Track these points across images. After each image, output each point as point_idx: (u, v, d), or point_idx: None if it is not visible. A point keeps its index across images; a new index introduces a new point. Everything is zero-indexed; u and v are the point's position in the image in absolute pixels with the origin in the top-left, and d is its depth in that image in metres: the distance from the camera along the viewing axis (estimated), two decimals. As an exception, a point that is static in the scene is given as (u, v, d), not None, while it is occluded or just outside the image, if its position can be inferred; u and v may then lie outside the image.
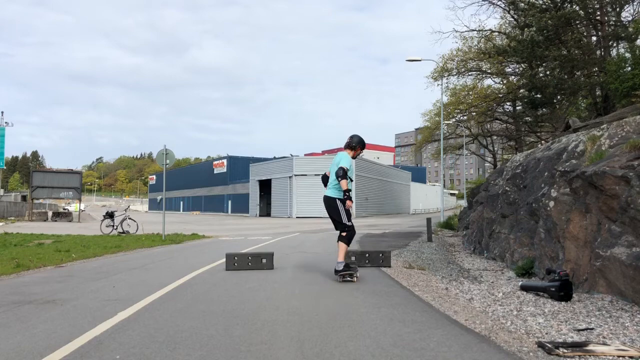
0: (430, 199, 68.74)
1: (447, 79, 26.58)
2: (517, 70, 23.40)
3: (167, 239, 14.09)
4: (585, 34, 17.07)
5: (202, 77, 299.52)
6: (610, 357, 3.19)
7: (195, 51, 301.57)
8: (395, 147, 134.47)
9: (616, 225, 5.06)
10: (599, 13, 15.85)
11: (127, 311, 4.34)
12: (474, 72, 26.42)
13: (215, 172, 62.35)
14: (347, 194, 6.03)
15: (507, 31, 21.54)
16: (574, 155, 6.45)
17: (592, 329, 4.01)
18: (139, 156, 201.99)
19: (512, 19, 20.37)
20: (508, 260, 7.94)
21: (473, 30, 21.93)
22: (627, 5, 16.34)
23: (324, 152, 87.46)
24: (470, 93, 29.14)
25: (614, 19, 16.27)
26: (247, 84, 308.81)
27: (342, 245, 6.15)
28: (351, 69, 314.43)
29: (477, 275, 7.41)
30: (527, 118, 23.20)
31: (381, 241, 13.41)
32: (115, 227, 17.48)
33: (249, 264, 7.19)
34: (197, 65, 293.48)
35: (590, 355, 3.21)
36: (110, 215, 17.78)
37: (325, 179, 6.47)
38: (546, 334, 3.91)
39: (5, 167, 70.08)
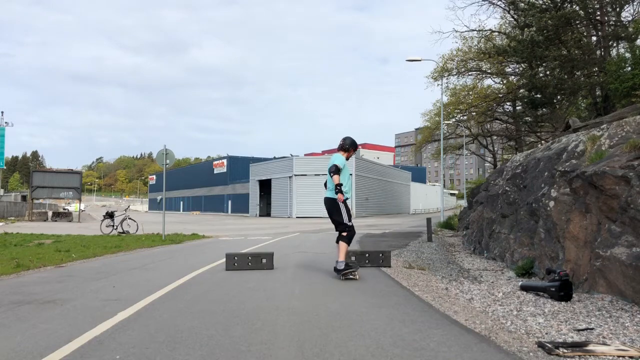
0: (430, 199, 68.73)
1: (447, 79, 26.61)
2: (517, 70, 23.41)
3: (167, 239, 14.09)
4: (585, 34, 17.07)
5: (202, 77, 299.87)
6: (610, 357, 3.19)
7: (195, 51, 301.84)
8: (395, 147, 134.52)
9: (616, 225, 5.06)
10: (599, 13, 15.86)
11: (127, 311, 4.34)
12: (474, 72, 26.42)
13: (215, 172, 62.36)
14: (339, 187, 6.21)
15: (507, 31, 21.55)
16: (574, 155, 6.45)
17: (592, 329, 4.01)
18: (139, 156, 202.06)
19: (512, 19, 20.38)
20: (508, 260, 7.95)
21: (473, 30, 21.96)
22: (627, 5, 16.36)
23: (324, 152, 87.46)
24: (470, 93, 29.14)
25: (614, 19, 16.27)
26: (247, 84, 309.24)
27: (343, 245, 6.28)
28: (351, 69, 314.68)
29: (477, 275, 7.41)
30: (527, 118, 23.21)
31: (381, 241, 13.41)
32: (115, 227, 17.48)
33: (249, 264, 7.19)
34: (197, 65, 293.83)
35: (590, 355, 3.21)
36: (110, 215, 17.78)
37: (326, 183, 6.62)
38: (546, 334, 3.91)
39: (5, 167, 70.08)
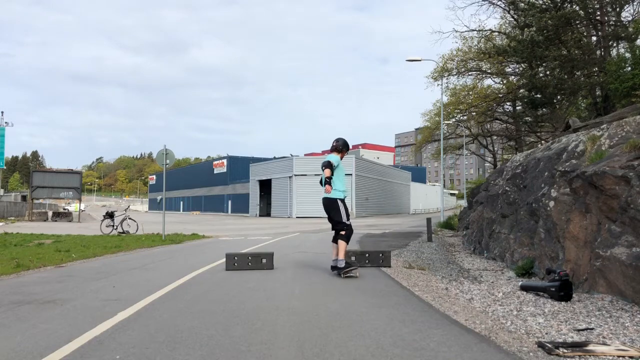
0: (430, 199, 68.73)
1: (447, 79, 26.61)
2: (517, 70, 23.41)
3: (167, 239, 14.09)
4: (585, 34, 17.07)
5: (202, 77, 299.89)
6: (610, 357, 3.19)
7: (195, 51, 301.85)
8: (395, 147, 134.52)
9: (616, 225, 5.06)
10: (599, 13, 15.86)
11: (127, 311, 4.34)
12: (474, 72, 26.42)
13: (215, 172, 62.35)
14: (328, 180, 6.36)
15: (507, 31, 21.55)
16: (574, 155, 6.45)
17: (592, 329, 4.01)
18: (139, 156, 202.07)
19: (512, 19, 20.37)
20: (508, 260, 7.95)
21: (473, 30, 21.96)
22: (627, 5, 16.35)
23: (324, 152, 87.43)
24: (470, 93, 29.14)
25: (614, 19, 16.27)
26: (247, 84, 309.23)
27: (343, 243, 6.41)
28: (351, 69, 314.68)
29: (477, 275, 7.41)
30: (527, 118, 23.21)
31: (381, 241, 13.41)
32: (115, 227, 17.48)
33: (249, 264, 7.19)
34: (197, 65, 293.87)
35: (590, 355, 3.21)
36: (110, 215, 17.78)
37: (322, 181, 6.72)
38: (546, 334, 3.91)
39: (5, 167, 70.08)
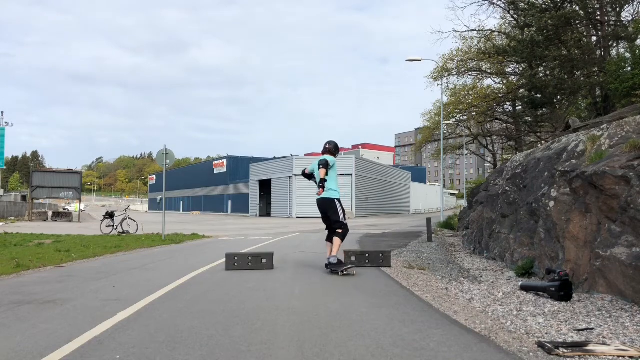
0: (430, 199, 68.73)
1: (447, 79, 26.60)
2: (517, 70, 23.40)
3: (167, 239, 14.09)
4: (585, 34, 17.07)
5: (202, 77, 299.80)
6: (610, 357, 3.19)
7: (195, 51, 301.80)
8: (395, 147, 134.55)
9: (616, 225, 5.06)
10: (599, 13, 15.86)
11: (127, 311, 4.34)
12: (474, 72, 26.42)
13: (215, 172, 62.35)
14: (323, 181, 6.55)
15: (507, 31, 21.54)
16: (574, 155, 6.45)
17: (592, 329, 4.01)
18: (139, 156, 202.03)
19: (512, 19, 20.37)
20: (508, 260, 7.95)
21: (473, 30, 21.95)
22: (627, 5, 16.35)
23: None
24: (470, 93, 29.14)
25: (614, 19, 16.27)
26: (247, 84, 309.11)
27: (338, 240, 6.62)
28: (351, 69, 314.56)
29: (477, 275, 7.41)
30: (527, 118, 23.21)
31: (381, 241, 13.41)
32: (115, 227, 17.47)
33: (249, 264, 7.19)
34: (197, 65, 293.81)
35: (590, 355, 3.21)
36: (110, 215, 17.78)
37: (305, 175, 7.24)
38: (546, 334, 3.91)
39: (5, 167, 70.07)
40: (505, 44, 19.06)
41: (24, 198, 60.07)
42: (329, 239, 6.79)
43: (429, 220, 14.16)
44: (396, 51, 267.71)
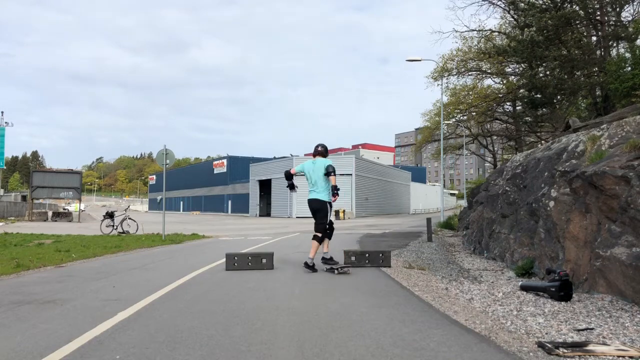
0: (430, 199, 68.72)
1: (447, 79, 26.59)
2: (517, 70, 23.39)
3: (167, 239, 14.09)
4: (585, 34, 17.07)
5: (202, 77, 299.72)
6: (610, 357, 3.19)
7: (195, 51, 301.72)
8: (395, 147, 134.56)
9: (616, 225, 5.06)
10: (599, 13, 15.86)
11: (127, 311, 4.34)
12: (474, 72, 26.40)
13: (215, 172, 62.35)
14: (337, 189, 6.89)
15: (507, 31, 21.53)
16: (574, 155, 6.45)
17: (592, 329, 4.01)
18: (139, 156, 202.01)
19: (512, 19, 20.36)
20: (508, 260, 7.95)
21: (473, 30, 21.93)
22: (627, 5, 16.35)
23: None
24: (470, 93, 29.14)
25: (614, 19, 16.27)
26: (247, 84, 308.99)
27: (326, 240, 7.09)
28: (351, 69, 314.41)
29: (477, 275, 7.41)
30: (527, 118, 23.20)
31: (381, 241, 13.41)
32: (115, 227, 17.47)
33: (249, 264, 7.20)
34: (197, 65, 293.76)
35: (590, 355, 3.22)
36: (110, 215, 17.77)
37: (288, 176, 7.45)
38: (546, 334, 3.91)
39: (5, 167, 70.07)
40: (505, 44, 19.05)
41: (24, 198, 60.08)
42: (316, 238, 7.05)
43: (429, 220, 14.16)
44: (396, 51, 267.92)
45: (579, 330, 3.99)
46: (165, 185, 15.86)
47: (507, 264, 7.93)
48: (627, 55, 14.06)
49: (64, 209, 51.45)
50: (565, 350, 3.26)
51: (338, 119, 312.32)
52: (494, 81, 28.51)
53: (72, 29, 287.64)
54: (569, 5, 15.94)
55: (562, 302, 5.05)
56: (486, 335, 3.66)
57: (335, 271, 6.71)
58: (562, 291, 5.13)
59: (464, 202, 31.29)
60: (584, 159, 6.16)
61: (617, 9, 16.15)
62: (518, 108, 26.37)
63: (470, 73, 26.42)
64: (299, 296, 5.11)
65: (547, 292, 5.30)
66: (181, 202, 72.99)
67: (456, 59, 26.02)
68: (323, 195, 6.96)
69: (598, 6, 15.70)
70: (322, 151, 7.32)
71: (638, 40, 14.62)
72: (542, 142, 20.53)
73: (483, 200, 10.34)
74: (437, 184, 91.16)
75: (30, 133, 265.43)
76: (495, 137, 34.75)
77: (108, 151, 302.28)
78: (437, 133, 33.21)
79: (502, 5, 19.64)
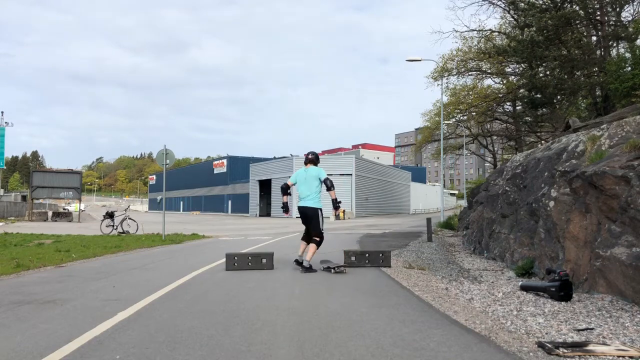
0: (430, 199, 68.72)
1: (447, 79, 26.58)
2: (517, 70, 23.39)
3: (167, 239, 14.09)
4: (585, 34, 17.07)
5: (202, 77, 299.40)
6: (610, 357, 3.19)
7: (195, 51, 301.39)
8: (395, 147, 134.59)
9: (616, 225, 5.07)
10: (599, 13, 15.86)
11: (127, 311, 4.34)
12: (474, 72, 26.40)
13: (215, 172, 62.35)
14: (339, 202, 7.02)
15: (507, 31, 21.53)
16: (574, 155, 6.45)
17: (592, 329, 4.01)
18: (139, 156, 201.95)
19: (512, 19, 20.36)
20: (508, 260, 7.95)
21: (473, 30, 21.93)
22: (627, 5, 16.35)
23: (324, 152, 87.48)
24: (470, 93, 29.13)
25: (614, 19, 16.27)
26: (247, 84, 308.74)
27: (314, 247, 7.05)
28: (351, 69, 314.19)
29: (477, 275, 7.41)
30: (527, 118, 23.20)
31: (381, 241, 13.41)
32: (115, 227, 17.47)
33: (249, 264, 7.20)
34: (197, 65, 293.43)
35: (590, 355, 3.22)
36: (110, 215, 17.77)
37: (285, 189, 7.36)
38: (546, 334, 3.91)
39: (5, 167, 70.09)
40: (505, 44, 19.05)
41: (24, 198, 60.07)
42: (305, 240, 7.25)
43: (429, 220, 14.16)
44: (396, 51, 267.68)
45: (579, 330, 3.99)
46: (165, 185, 15.86)
47: (507, 264, 7.93)
48: (627, 55, 14.07)
49: (64, 209, 51.45)
50: (565, 350, 3.26)
51: (338, 119, 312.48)
52: (494, 81, 28.53)
53: (72, 29, 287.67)
54: (569, 5, 15.94)
55: (562, 302, 5.05)
56: (486, 335, 3.66)
57: (332, 270, 6.75)
58: (562, 291, 5.13)
59: (464, 202, 31.30)
60: (584, 159, 6.17)
61: (617, 9, 16.15)
62: (518, 108, 26.37)
63: (470, 73, 26.42)
64: (299, 296, 5.11)
65: (547, 292, 5.30)
66: (181, 202, 72.99)
67: (456, 59, 26.03)
68: (314, 202, 7.08)
69: (598, 6, 15.70)
70: (312, 159, 7.40)
71: (638, 40, 14.62)
72: (542, 142, 20.53)
73: (483, 200, 10.34)
74: (437, 184, 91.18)
75: (30, 133, 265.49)
76: (495, 137, 34.74)
77: (108, 151, 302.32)
78: (437, 133, 33.22)
79: (502, 5, 19.65)
